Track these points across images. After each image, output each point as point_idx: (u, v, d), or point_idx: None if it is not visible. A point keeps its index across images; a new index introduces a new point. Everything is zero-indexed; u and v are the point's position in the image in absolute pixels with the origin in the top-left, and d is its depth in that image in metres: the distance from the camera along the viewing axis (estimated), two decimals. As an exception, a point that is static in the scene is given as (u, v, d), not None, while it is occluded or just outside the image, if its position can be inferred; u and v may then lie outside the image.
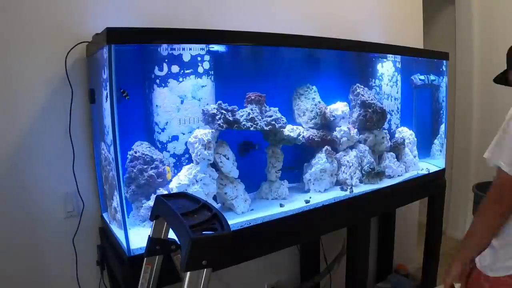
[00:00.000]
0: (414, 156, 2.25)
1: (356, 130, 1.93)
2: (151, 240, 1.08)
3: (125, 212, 1.23)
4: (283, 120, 1.62)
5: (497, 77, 1.64)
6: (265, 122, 1.58)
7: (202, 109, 1.48)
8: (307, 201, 1.66)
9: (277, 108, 1.64)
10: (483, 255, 1.18)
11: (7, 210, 1.44)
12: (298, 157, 1.85)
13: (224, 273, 1.57)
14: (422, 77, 2.36)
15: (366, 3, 2.45)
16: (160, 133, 1.47)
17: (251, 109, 1.56)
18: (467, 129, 3.32)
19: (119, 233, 1.32)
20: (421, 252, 2.47)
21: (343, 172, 1.86)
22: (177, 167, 1.49)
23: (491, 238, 1.16)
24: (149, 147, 1.44)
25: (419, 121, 2.44)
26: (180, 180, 1.43)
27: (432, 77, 2.39)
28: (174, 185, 1.43)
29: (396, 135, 2.22)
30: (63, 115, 1.48)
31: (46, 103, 1.47)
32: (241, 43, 1.53)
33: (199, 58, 1.47)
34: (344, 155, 1.89)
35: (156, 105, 1.45)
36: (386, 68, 2.15)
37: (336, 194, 1.77)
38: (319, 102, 1.83)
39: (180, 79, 1.45)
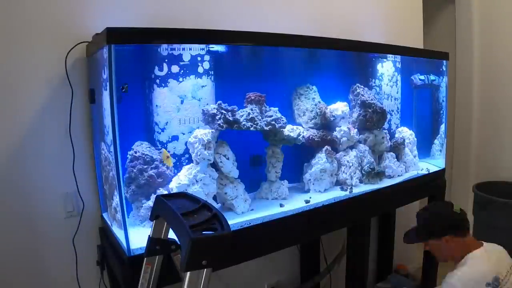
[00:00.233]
0: (414, 156, 2.25)
1: (356, 130, 1.93)
2: (151, 240, 1.08)
3: (125, 212, 1.23)
4: (283, 120, 1.62)
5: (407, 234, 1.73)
6: (265, 122, 1.58)
7: (202, 109, 1.48)
8: (307, 201, 1.66)
9: (277, 108, 1.64)
10: None
11: (7, 210, 1.44)
12: (298, 157, 1.86)
13: (224, 273, 1.57)
14: (422, 77, 2.36)
15: (366, 3, 2.45)
16: (160, 133, 1.47)
17: (251, 109, 1.56)
18: (467, 129, 3.32)
19: (119, 233, 1.32)
20: (421, 252, 2.47)
21: (343, 172, 1.86)
22: (177, 167, 1.49)
23: None
24: (149, 147, 1.44)
25: (419, 121, 2.44)
26: (180, 180, 1.43)
27: (432, 77, 2.39)
28: (174, 185, 1.43)
29: (396, 135, 2.22)
30: (63, 115, 1.48)
31: (46, 103, 1.47)
32: (241, 43, 1.53)
33: (199, 58, 1.47)
34: (344, 155, 1.89)
35: (156, 105, 1.45)
36: (386, 68, 2.15)
37: (336, 194, 1.77)
38: (319, 102, 1.83)
39: (180, 79, 1.45)
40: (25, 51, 1.42)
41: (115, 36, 1.14)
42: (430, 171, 2.27)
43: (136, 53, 1.42)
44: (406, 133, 2.25)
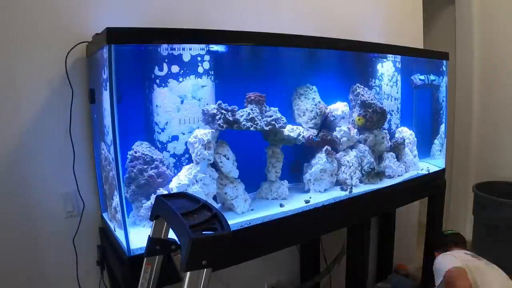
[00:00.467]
0: (414, 156, 2.25)
1: (356, 130, 1.93)
2: (151, 240, 1.08)
3: (125, 212, 1.23)
4: (283, 120, 1.62)
5: None
6: (265, 122, 1.58)
7: (202, 109, 1.48)
8: (307, 201, 1.66)
9: (277, 108, 1.64)
10: None
11: (7, 210, 1.44)
12: (298, 157, 1.86)
13: (224, 273, 1.57)
14: (422, 77, 2.36)
15: (366, 3, 2.45)
16: (160, 133, 1.47)
17: (251, 109, 1.56)
18: (467, 129, 3.32)
19: (119, 233, 1.32)
20: (421, 252, 2.47)
21: (343, 172, 1.86)
22: (177, 167, 1.49)
23: None
24: (149, 147, 1.44)
25: (419, 121, 2.44)
26: (180, 180, 1.43)
27: (432, 77, 2.39)
28: (174, 185, 1.43)
29: (396, 135, 2.22)
30: (63, 115, 1.48)
31: (46, 103, 1.47)
32: (241, 43, 1.53)
33: (199, 58, 1.47)
34: (344, 155, 1.89)
35: (156, 105, 1.45)
36: (386, 68, 2.15)
37: (336, 194, 1.77)
38: (319, 102, 1.84)
39: (180, 79, 1.45)
40: (25, 51, 1.42)
41: (115, 36, 1.14)
42: (430, 171, 2.27)
43: (136, 53, 1.42)
44: (406, 133, 2.25)
